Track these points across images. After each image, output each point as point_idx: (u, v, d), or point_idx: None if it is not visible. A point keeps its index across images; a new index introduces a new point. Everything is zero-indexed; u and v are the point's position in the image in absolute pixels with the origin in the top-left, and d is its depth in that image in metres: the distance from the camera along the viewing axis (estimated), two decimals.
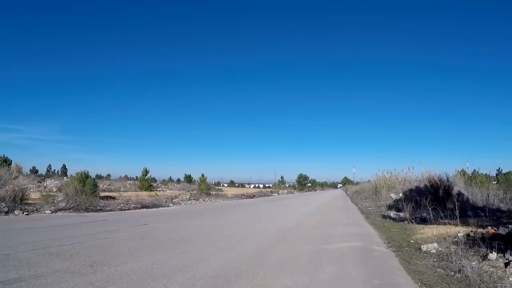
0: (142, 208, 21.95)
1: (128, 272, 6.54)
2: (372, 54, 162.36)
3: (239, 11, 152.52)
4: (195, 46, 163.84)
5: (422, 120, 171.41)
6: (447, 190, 20.74)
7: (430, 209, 13.35)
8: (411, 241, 11.33)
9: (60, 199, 20.07)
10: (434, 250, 9.41)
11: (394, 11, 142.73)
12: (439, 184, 21.37)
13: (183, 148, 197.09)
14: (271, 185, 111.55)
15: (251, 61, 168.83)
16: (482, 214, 14.33)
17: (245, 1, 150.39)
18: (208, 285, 6.10)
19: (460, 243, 9.09)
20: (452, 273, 7.17)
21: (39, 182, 37.17)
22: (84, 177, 22.61)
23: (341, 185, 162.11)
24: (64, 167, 74.98)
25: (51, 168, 72.49)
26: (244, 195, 46.71)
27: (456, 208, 11.86)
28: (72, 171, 61.92)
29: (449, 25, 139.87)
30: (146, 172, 42.69)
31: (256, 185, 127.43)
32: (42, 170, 66.59)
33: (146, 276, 6.39)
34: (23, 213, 15.95)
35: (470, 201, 20.12)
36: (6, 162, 35.98)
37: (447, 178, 21.75)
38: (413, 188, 26.03)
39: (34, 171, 59.75)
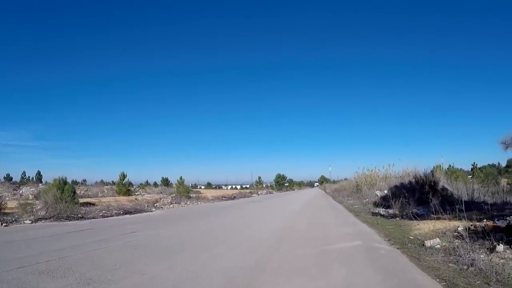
0: (125, 214, 21.38)
1: None
2: (345, 51, 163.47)
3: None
4: (170, 47, 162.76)
5: (395, 118, 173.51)
6: (433, 185, 20.73)
7: (418, 205, 13.27)
8: (411, 237, 11.19)
9: (39, 207, 19.35)
10: (439, 246, 9.33)
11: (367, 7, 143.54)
12: (425, 180, 21.42)
13: (159, 151, 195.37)
14: (248, 186, 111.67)
15: (224, 61, 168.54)
16: (472, 208, 14.23)
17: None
18: None
19: (464, 237, 9.16)
20: (466, 267, 7.16)
21: (14, 190, 36.31)
22: (62, 184, 21.88)
23: (317, 183, 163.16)
24: (39, 173, 73.91)
25: (25, 175, 71.26)
26: (224, 197, 46.24)
27: (445, 202, 12.28)
28: (47, 177, 60.97)
29: (427, 22, 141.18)
30: (123, 176, 42.09)
31: (233, 186, 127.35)
32: (16, 177, 65.43)
33: None
34: (1, 224, 15.22)
35: (455, 195, 20.05)
36: None
37: (432, 174, 21.82)
38: (398, 184, 25.98)
39: (8, 178, 58.55)
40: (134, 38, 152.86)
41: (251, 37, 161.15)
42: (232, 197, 48.38)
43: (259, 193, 73.76)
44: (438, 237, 10.03)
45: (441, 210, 12.55)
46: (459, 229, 10.74)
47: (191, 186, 69.20)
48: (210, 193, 54.17)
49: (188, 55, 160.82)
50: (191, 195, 41.27)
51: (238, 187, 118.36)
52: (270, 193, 78.47)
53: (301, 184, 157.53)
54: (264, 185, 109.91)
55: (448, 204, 12.34)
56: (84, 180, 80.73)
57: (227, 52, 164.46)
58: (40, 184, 47.47)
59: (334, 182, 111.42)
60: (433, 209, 13.73)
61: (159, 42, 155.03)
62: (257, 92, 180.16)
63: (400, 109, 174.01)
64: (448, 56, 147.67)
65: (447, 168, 27.61)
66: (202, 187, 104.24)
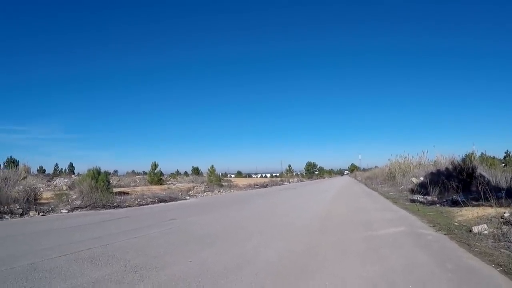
0: (160, 202, 21.38)
1: (181, 276, 5.74)
2: (374, 40, 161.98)
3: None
4: (197, 38, 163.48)
5: (425, 106, 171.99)
6: (471, 172, 20.18)
7: (457, 192, 12.97)
8: (456, 223, 10.88)
9: (74, 197, 19.48)
10: (486, 232, 9.06)
11: None
12: (462, 166, 20.87)
13: (188, 141, 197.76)
14: (278, 174, 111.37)
15: (253, 50, 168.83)
16: None
17: None
18: (280, 279, 5.65)
19: None
20: None
21: (48, 181, 36.85)
22: (96, 173, 21.93)
23: (347, 172, 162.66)
24: (71, 165, 75.30)
25: (58, 167, 72.37)
26: (257, 185, 46.33)
27: (484, 190, 12.05)
28: (79, 169, 61.87)
29: (445, 9, 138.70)
30: (155, 166, 42.30)
31: (263, 175, 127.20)
32: (49, 170, 66.39)
33: (203, 278, 5.62)
34: (38, 213, 15.23)
35: (493, 183, 19.50)
36: (14, 163, 35.43)
37: (470, 160, 21.29)
38: (434, 171, 25.55)
39: (41, 170, 59.44)
40: (155, 32, 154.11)
41: (279, 27, 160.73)
42: (265, 185, 48.36)
43: (290, 181, 73.74)
44: (485, 223, 9.73)
45: (482, 197, 12.30)
46: (505, 215, 10.45)
47: (222, 175, 69.50)
48: (240, 181, 54.14)
49: (207, 47, 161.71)
50: (223, 184, 41.27)
51: (268, 175, 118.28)
52: (301, 181, 78.60)
53: (331, 172, 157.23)
54: (294, 173, 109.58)
55: (488, 191, 11.99)
56: (116, 171, 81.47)
57: (249, 43, 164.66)
58: (73, 175, 48.17)
59: (364, 170, 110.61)
60: (475, 196, 13.44)
61: (183, 34, 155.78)
62: (287, 81, 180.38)
63: (429, 98, 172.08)
64: (478, 44, 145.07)
65: (480, 156, 26.90)
66: (233, 175, 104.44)
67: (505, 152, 49.56)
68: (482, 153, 28.05)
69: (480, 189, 13.23)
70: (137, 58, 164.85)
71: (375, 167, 75.13)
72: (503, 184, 18.08)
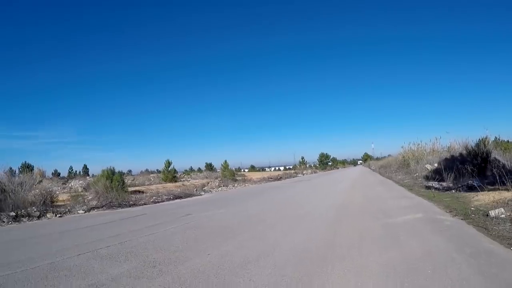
0: (175, 199, 21.48)
1: (200, 269, 5.77)
2: (384, 29, 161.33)
3: None
4: (205, 35, 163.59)
5: (437, 93, 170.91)
6: (485, 157, 20.01)
7: (472, 177, 12.89)
8: (472, 208, 10.78)
9: (90, 197, 19.64)
10: (504, 215, 8.94)
11: None
12: (477, 151, 20.67)
13: (201, 137, 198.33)
14: (291, 167, 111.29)
15: (263, 45, 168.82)
16: None
17: None
18: (299, 268, 5.64)
19: None
20: None
21: (63, 184, 37.06)
22: (110, 173, 22.03)
23: (361, 161, 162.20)
24: (85, 167, 75.73)
25: (72, 170, 72.93)
26: (271, 178, 46.25)
27: (499, 174, 12.16)
28: (93, 170, 62.36)
29: None
30: (169, 163, 42.44)
31: (276, 168, 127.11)
32: (64, 173, 66.96)
33: (222, 271, 5.64)
34: (55, 215, 15.29)
35: (508, 167, 19.33)
36: (29, 167, 35.84)
37: (484, 145, 21.10)
38: (448, 157, 25.38)
39: (56, 174, 59.94)
40: (164, 30, 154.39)
41: (281, 21, 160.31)
42: (278, 178, 48.31)
43: (304, 173, 73.64)
44: (502, 207, 9.61)
45: (498, 181, 12.36)
46: None
47: (235, 169, 69.74)
48: (254, 175, 54.19)
49: (220, 43, 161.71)
50: (237, 178, 41.32)
51: (282, 168, 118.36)
52: (315, 173, 78.46)
53: (344, 163, 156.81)
54: (307, 165, 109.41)
55: (504, 175, 11.89)
56: (130, 170, 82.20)
57: (258, 36, 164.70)
58: (87, 177, 48.45)
59: (377, 159, 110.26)
60: (490, 180, 13.34)
61: (191, 32, 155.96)
62: (296, 72, 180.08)
63: (439, 84, 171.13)
64: (489, 28, 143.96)
65: (494, 140, 26.65)
66: (246, 170, 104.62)
67: None
68: (495, 137, 27.78)
69: (495, 173, 13.16)
70: (147, 57, 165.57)
71: (389, 155, 75.02)
72: None
